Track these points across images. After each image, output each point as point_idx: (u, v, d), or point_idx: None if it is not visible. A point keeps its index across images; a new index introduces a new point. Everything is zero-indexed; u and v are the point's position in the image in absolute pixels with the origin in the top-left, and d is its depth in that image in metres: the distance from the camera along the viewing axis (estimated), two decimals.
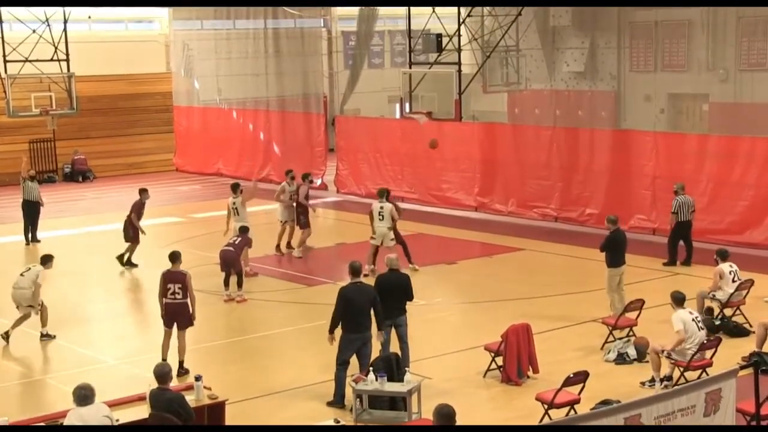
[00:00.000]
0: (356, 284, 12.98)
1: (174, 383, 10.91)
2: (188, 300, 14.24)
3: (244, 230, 18.87)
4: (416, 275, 19.25)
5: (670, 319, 13.30)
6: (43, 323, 16.27)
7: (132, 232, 21.04)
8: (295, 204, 21.86)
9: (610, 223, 16.70)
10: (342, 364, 12.91)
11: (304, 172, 23.35)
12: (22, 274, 16.32)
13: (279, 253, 21.99)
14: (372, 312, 12.92)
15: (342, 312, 12.82)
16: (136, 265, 21.04)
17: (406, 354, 13.62)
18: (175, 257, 14.48)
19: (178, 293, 14.15)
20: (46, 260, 16.57)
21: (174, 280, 14.20)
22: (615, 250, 16.52)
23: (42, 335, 16.26)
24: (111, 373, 14.90)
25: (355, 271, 13.03)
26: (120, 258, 21.17)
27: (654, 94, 31.20)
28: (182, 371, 14.24)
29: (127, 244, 21.19)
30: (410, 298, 13.73)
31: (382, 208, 19.89)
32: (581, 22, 31.92)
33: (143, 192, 21.39)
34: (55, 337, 16.25)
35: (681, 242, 20.21)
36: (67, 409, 9.70)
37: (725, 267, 16.06)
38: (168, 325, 14.34)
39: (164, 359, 14.31)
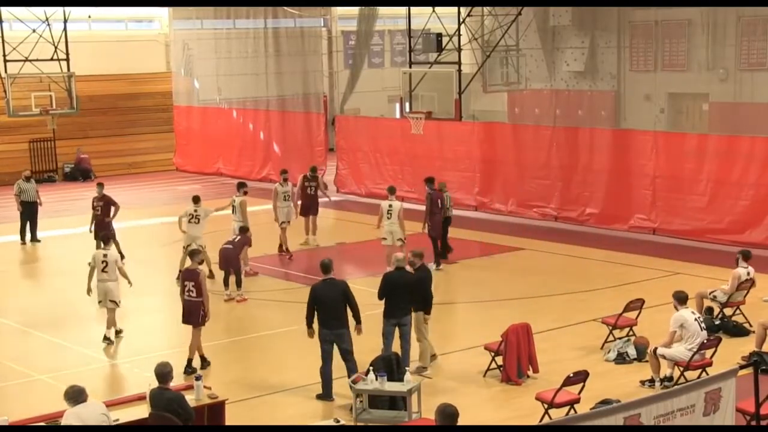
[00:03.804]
0: (327, 281, 13.06)
1: (175, 383, 10.89)
2: (202, 298, 14.34)
3: (243, 230, 18.88)
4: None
5: (671, 317, 13.32)
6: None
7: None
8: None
9: (416, 258, 14.26)
10: (324, 359, 13.05)
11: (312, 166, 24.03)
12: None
13: (285, 253, 21.88)
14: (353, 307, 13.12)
15: (312, 308, 13.00)
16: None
17: (407, 353, 13.64)
18: (192, 255, 14.73)
19: (192, 291, 14.34)
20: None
21: (189, 278, 14.42)
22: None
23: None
24: (111, 373, 14.91)
25: (325, 268, 13.09)
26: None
27: (654, 94, 31.21)
28: (189, 370, 14.19)
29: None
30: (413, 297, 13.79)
31: (390, 206, 19.81)
32: (581, 22, 31.93)
33: (97, 185, 21.54)
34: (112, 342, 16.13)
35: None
36: (66, 409, 9.69)
37: (743, 272, 15.99)
38: (187, 322, 14.50)
39: (201, 355, 14.53)
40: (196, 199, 19.98)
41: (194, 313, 14.38)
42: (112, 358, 15.59)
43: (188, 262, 15.00)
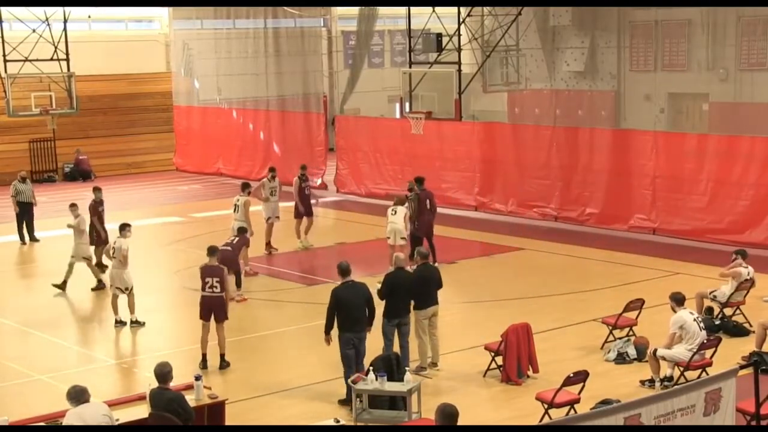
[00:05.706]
0: (348, 283, 13.01)
1: (175, 382, 10.88)
2: (225, 293, 14.50)
3: (242, 231, 18.83)
4: None
5: (671, 319, 13.32)
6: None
7: (95, 236, 20.50)
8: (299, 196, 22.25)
9: (420, 257, 14.51)
10: (348, 365, 12.95)
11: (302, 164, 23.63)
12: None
13: (270, 248, 22.08)
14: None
15: (336, 312, 12.88)
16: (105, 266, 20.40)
17: (406, 351, 13.66)
18: (212, 251, 14.80)
19: (216, 287, 14.39)
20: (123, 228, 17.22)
21: (212, 273, 14.45)
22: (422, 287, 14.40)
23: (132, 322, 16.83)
24: (111, 373, 14.90)
25: (343, 271, 13.04)
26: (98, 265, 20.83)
27: (654, 94, 31.23)
28: (224, 364, 14.47)
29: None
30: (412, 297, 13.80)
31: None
32: (581, 22, 31.94)
33: (97, 190, 21.25)
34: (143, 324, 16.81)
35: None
36: (66, 409, 9.69)
37: (743, 271, 16.00)
38: (205, 317, 14.51)
39: (204, 354, 14.54)
40: (73, 206, 20.19)
41: (219, 309, 14.48)
42: (112, 358, 15.59)
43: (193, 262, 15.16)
